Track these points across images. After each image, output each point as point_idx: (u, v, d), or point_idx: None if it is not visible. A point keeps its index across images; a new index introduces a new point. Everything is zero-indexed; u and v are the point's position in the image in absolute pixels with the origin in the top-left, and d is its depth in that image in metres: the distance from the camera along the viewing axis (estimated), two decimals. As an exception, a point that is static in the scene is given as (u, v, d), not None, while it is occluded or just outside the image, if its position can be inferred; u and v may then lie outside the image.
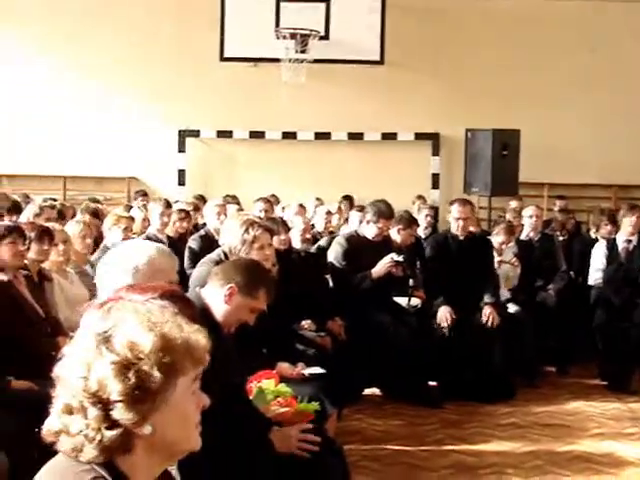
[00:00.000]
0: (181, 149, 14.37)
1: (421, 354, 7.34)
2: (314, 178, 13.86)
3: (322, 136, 14.31)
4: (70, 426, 1.80)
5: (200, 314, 2.92)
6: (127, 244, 3.40)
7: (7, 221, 6.38)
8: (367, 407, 7.16)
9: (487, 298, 7.69)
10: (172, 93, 14.05)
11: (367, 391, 7.51)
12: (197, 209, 10.30)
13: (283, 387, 4.30)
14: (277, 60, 13.12)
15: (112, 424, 1.78)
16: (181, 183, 14.33)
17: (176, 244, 8.34)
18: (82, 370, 1.80)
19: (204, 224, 9.16)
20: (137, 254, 3.18)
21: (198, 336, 1.90)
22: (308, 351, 5.99)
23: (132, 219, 7.98)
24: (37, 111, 14.13)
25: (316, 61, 13.13)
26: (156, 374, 1.79)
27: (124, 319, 1.87)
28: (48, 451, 1.88)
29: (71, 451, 1.81)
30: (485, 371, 7.49)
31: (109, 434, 1.78)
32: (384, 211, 7.50)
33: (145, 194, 12.72)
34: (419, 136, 14.45)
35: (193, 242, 8.09)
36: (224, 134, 14.28)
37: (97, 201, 11.07)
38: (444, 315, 7.55)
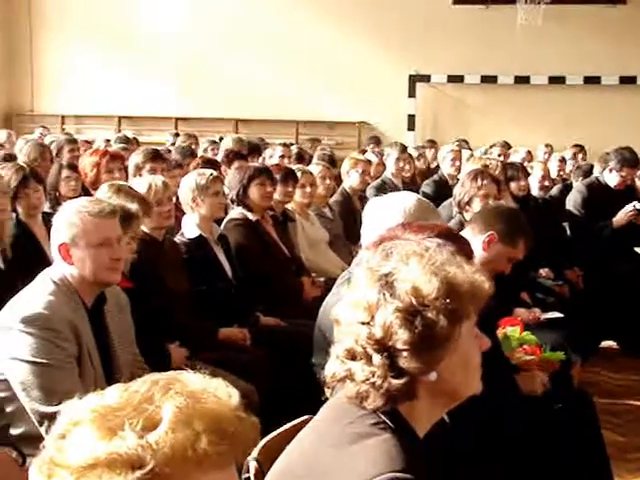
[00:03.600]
0: (411, 94, 14.35)
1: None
2: (546, 124, 13.43)
3: (556, 80, 13.86)
4: (356, 373, 1.77)
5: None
6: (387, 198, 3.48)
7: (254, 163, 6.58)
8: (603, 360, 6.93)
9: None
10: (403, 38, 14.00)
11: (603, 343, 7.28)
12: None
13: (528, 335, 4.23)
14: (512, 1, 12.76)
15: (398, 372, 1.74)
16: (410, 128, 14.33)
17: (410, 188, 8.37)
18: (365, 315, 1.76)
19: (437, 168, 9.12)
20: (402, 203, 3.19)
21: (482, 279, 1.83)
22: (547, 299, 5.92)
23: (369, 163, 8.04)
24: (272, 59, 14.48)
25: (553, 2, 12.66)
26: (442, 321, 1.74)
27: (406, 262, 1.81)
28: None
29: (355, 397, 1.78)
30: None
31: (395, 382, 1.74)
32: (629, 159, 7.21)
33: (378, 141, 12.76)
34: (661, 79, 13.74)
35: (427, 187, 8.08)
36: (455, 79, 14.12)
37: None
38: None
